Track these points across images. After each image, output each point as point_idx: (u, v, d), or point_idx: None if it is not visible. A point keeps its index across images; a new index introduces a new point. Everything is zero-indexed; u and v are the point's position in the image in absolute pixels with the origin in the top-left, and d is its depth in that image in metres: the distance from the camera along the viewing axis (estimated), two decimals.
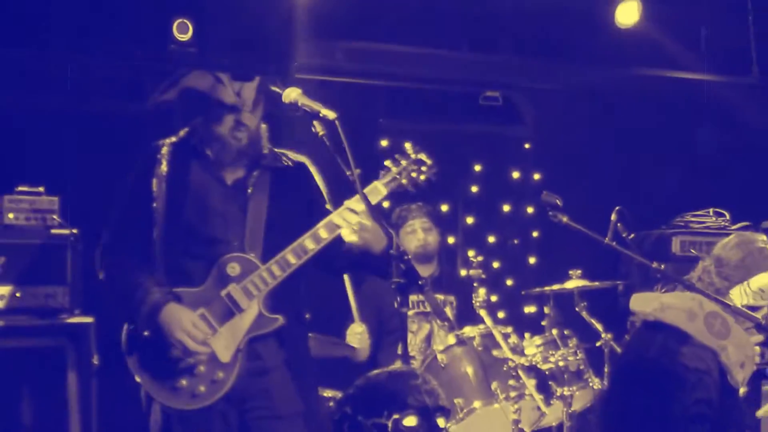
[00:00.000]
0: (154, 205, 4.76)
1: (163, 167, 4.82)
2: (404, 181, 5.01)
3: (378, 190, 4.95)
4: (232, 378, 4.69)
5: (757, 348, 5.14)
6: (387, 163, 5.05)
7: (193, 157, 4.87)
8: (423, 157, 5.07)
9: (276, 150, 5.04)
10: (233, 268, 4.75)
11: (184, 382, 4.64)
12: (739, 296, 5.13)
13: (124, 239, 4.82)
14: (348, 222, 4.77)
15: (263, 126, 4.96)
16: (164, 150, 4.87)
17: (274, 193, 4.92)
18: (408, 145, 5.11)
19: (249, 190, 4.88)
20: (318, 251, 4.81)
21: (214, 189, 4.84)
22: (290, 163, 5.06)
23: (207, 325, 4.68)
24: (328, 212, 4.90)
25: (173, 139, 4.95)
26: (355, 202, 4.78)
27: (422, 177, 5.06)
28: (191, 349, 4.61)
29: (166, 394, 4.65)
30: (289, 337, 4.85)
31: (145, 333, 4.66)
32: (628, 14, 8.30)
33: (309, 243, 4.78)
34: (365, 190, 4.83)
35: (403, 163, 5.03)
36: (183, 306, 4.67)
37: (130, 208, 4.86)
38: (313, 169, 5.12)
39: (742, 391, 5.19)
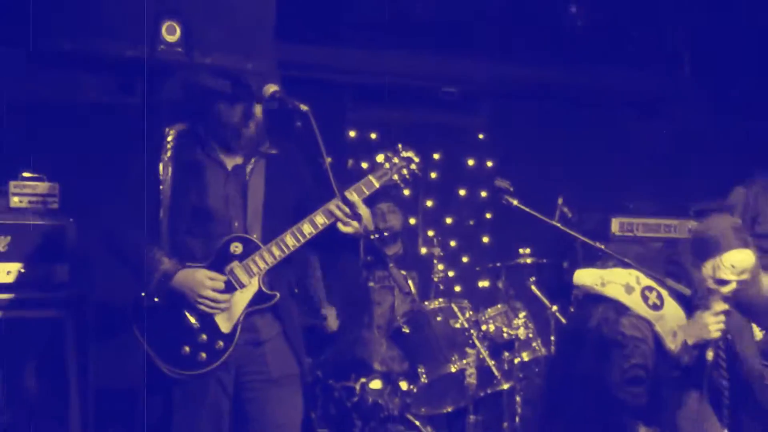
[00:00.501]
0: (161, 187, 4.76)
1: (169, 153, 4.84)
2: (395, 176, 5.05)
3: (372, 183, 4.99)
4: (231, 347, 4.71)
5: (722, 316, 5.17)
6: (379, 159, 5.08)
7: (197, 143, 4.86)
8: (411, 154, 5.11)
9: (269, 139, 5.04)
10: (236, 247, 4.75)
11: (187, 348, 4.64)
12: (711, 269, 5.20)
13: (133, 218, 4.80)
14: (343, 211, 4.79)
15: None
16: (170, 137, 4.87)
17: (270, 178, 4.93)
18: (399, 144, 5.16)
19: (247, 176, 4.88)
20: (314, 235, 4.87)
21: (217, 174, 4.83)
22: (284, 151, 5.08)
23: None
24: (319, 197, 4.94)
25: (179, 126, 4.92)
26: (350, 193, 4.81)
27: (410, 173, 5.14)
28: (219, 299, 4.65)
29: (170, 361, 4.67)
30: (283, 310, 4.89)
31: (156, 300, 4.69)
32: None
33: (306, 227, 4.79)
34: (362, 182, 4.90)
35: (395, 160, 5.07)
36: (193, 268, 4.71)
37: (139, 190, 4.87)
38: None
39: (710, 355, 5.26)
